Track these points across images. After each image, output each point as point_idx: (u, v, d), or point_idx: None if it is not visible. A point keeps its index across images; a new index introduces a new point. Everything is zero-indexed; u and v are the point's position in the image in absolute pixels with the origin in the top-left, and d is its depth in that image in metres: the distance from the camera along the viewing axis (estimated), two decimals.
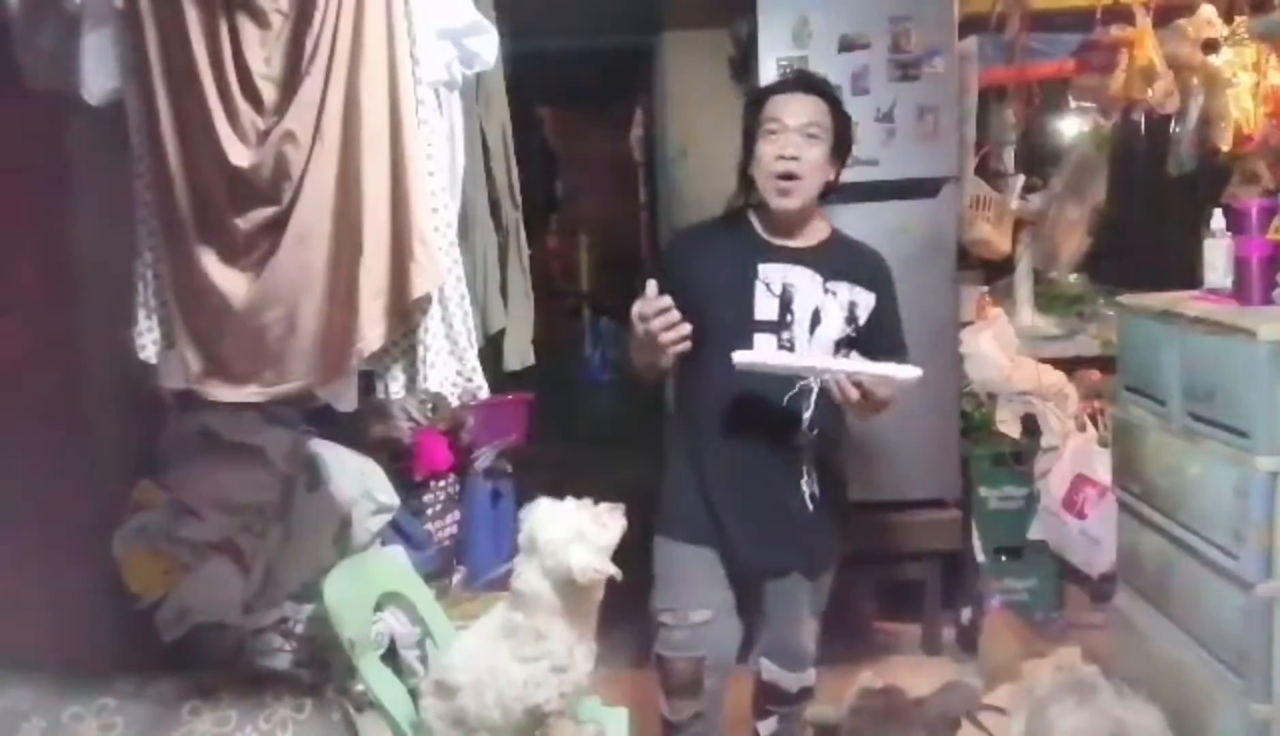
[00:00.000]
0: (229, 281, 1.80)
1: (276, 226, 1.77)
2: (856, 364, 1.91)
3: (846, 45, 3.22)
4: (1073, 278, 3.92)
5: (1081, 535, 3.30)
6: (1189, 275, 2.37)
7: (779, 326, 2.05)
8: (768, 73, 3.23)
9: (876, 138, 3.24)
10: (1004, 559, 3.48)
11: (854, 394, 1.87)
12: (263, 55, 1.74)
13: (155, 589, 2.30)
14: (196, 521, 2.33)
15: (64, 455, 2.24)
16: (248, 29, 1.73)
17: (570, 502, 1.87)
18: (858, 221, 3.25)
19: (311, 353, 1.79)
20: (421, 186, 1.74)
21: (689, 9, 4.12)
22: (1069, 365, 3.60)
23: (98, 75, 1.84)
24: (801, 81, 2.13)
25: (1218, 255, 2.25)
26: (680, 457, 2.20)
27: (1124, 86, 3.42)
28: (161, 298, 1.88)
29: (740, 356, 1.87)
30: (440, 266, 1.76)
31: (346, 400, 1.90)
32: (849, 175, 3.24)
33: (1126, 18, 3.44)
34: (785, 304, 2.05)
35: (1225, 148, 3.46)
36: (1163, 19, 3.45)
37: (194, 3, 1.72)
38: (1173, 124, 3.53)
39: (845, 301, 2.08)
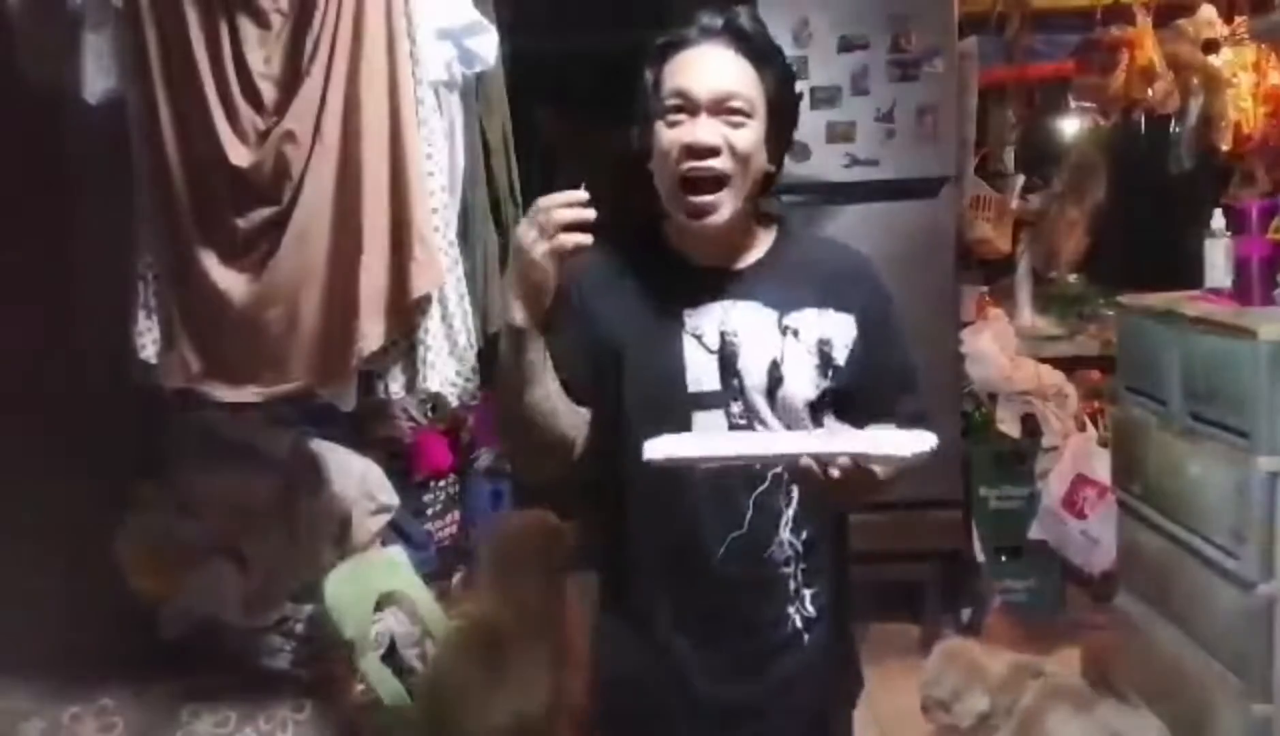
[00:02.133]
0: (229, 281, 1.80)
1: (276, 226, 1.78)
2: (838, 438, 1.26)
3: (846, 45, 3.22)
4: (1073, 278, 3.92)
5: (1081, 535, 3.30)
6: (1189, 275, 2.37)
7: (725, 398, 1.36)
8: None
9: (876, 138, 3.24)
10: (1004, 559, 3.48)
11: (835, 474, 1.18)
12: (263, 55, 1.74)
13: (155, 589, 2.30)
14: (196, 521, 2.34)
15: (64, 455, 2.24)
16: (248, 29, 1.73)
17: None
18: (857, 221, 3.28)
19: (311, 353, 1.80)
20: (421, 186, 1.74)
21: (689, 8, 4.12)
22: (1069, 365, 3.60)
23: (98, 75, 1.84)
24: (719, 28, 1.35)
25: (1218, 255, 2.25)
26: (611, 622, 1.48)
27: (1124, 86, 3.42)
28: (162, 297, 1.89)
29: (654, 449, 1.21)
30: (440, 266, 1.76)
31: (346, 400, 1.90)
32: (849, 175, 3.31)
33: (1126, 18, 3.44)
34: (728, 362, 1.37)
35: (1225, 148, 3.46)
36: (1163, 19, 3.45)
37: (194, 3, 1.72)
38: (1173, 124, 3.53)
39: (813, 340, 1.39)
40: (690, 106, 1.32)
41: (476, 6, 1.89)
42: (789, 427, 1.37)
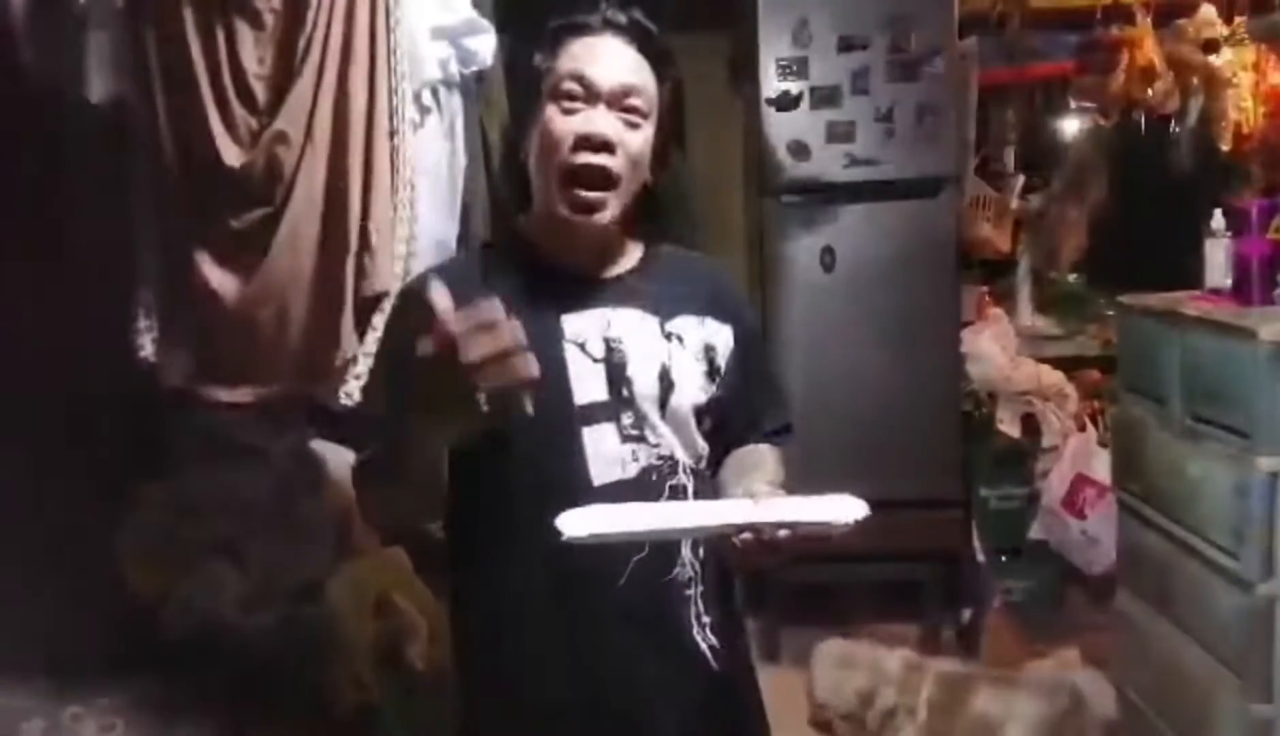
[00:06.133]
0: (223, 281, 1.81)
1: (269, 226, 1.79)
2: (768, 506, 1.13)
3: (846, 45, 3.21)
4: (1073, 278, 3.92)
5: (1081, 535, 3.30)
6: (1189, 275, 2.37)
7: (614, 409, 1.26)
8: (768, 74, 3.23)
9: (876, 138, 3.23)
10: (1004, 559, 3.48)
11: (771, 550, 1.11)
12: (257, 55, 1.76)
13: (155, 589, 2.30)
14: (196, 521, 2.34)
15: (64, 455, 2.24)
16: (243, 30, 1.74)
17: None
18: (858, 221, 3.28)
19: (301, 353, 1.81)
20: (381, 194, 1.76)
21: (687, 9, 4.12)
22: (1069, 365, 3.60)
23: (100, 74, 1.84)
24: (623, 23, 1.27)
25: (1218, 255, 2.25)
26: (482, 679, 1.31)
27: (1124, 86, 3.42)
28: (160, 297, 1.89)
29: (573, 526, 1.06)
30: (386, 271, 1.78)
31: (339, 400, 1.91)
32: (849, 175, 3.30)
33: (1126, 18, 3.44)
34: (616, 371, 1.27)
35: (1225, 148, 3.47)
36: (1163, 19, 3.46)
37: (191, 3, 1.73)
38: (1173, 124, 3.53)
39: (698, 345, 1.33)
40: (589, 94, 1.22)
41: (476, 7, 1.90)
42: (680, 437, 1.30)
